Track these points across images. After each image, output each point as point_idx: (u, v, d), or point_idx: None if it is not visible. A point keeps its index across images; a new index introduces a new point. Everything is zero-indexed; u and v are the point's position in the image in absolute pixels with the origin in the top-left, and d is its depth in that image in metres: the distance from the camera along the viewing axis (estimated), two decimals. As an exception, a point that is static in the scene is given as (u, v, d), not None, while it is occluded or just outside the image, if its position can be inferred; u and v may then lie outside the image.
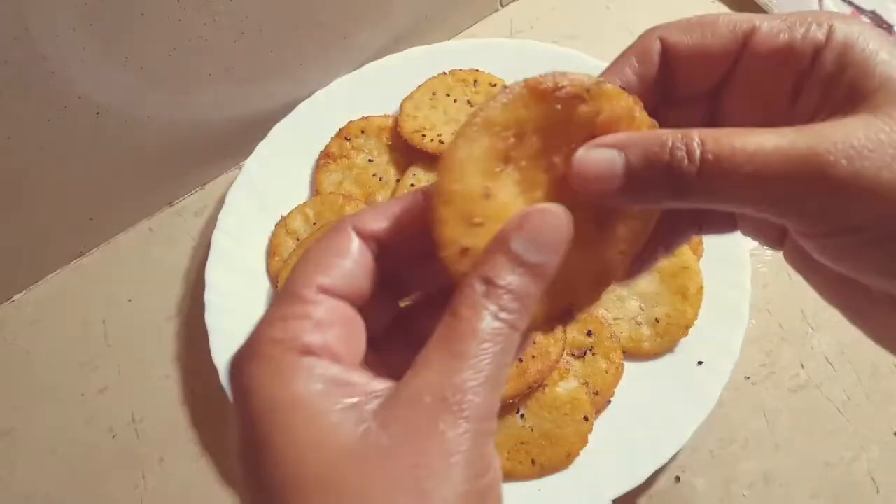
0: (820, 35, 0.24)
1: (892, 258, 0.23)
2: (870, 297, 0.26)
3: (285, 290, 0.23)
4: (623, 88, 0.26)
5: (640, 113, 0.25)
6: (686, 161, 0.23)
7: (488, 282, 0.22)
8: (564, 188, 0.25)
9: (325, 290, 0.23)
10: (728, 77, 0.26)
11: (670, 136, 0.23)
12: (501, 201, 0.24)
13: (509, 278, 0.22)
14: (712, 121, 0.28)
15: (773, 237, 0.29)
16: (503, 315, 0.22)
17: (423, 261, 0.24)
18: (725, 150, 0.22)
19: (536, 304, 0.23)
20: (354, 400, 0.21)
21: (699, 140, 0.23)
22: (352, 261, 0.24)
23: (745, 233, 0.30)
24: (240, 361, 0.22)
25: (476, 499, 0.21)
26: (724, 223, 0.29)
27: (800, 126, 0.23)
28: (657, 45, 0.27)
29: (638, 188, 0.24)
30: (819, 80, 0.24)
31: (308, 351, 0.22)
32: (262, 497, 0.21)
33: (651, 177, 0.23)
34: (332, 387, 0.21)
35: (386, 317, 0.27)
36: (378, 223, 0.25)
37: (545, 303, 0.24)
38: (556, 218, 0.23)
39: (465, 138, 0.24)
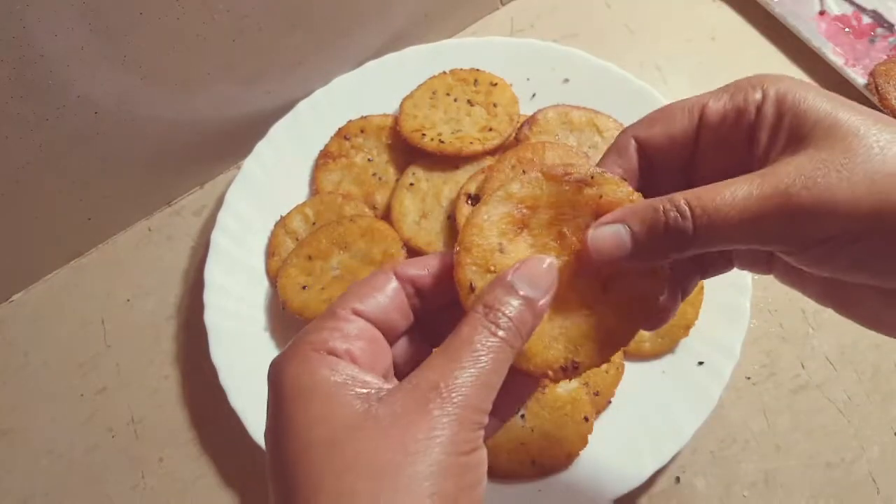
0: (757, 95, 0.30)
1: (860, 257, 0.28)
2: (854, 291, 0.31)
3: (327, 309, 0.29)
4: (623, 178, 0.32)
5: (636, 197, 0.31)
6: (680, 219, 0.28)
7: (487, 305, 0.28)
8: (571, 254, 0.31)
9: (357, 313, 0.29)
10: (695, 147, 0.32)
11: (660, 202, 0.29)
12: (513, 257, 0.30)
13: (505, 302, 0.28)
14: (690, 183, 0.32)
15: (763, 266, 0.35)
16: (498, 332, 0.27)
17: (454, 308, 0.30)
18: (710, 205, 0.28)
19: (529, 332, 0.29)
20: (364, 391, 0.27)
21: (685, 200, 0.28)
22: (385, 295, 0.30)
23: (741, 267, 0.36)
24: (278, 360, 0.28)
25: (455, 471, 0.25)
26: (723, 264, 0.36)
27: (761, 171, 0.29)
28: (632, 143, 0.33)
29: (645, 249, 0.29)
30: (765, 128, 0.30)
31: (333, 352, 0.28)
32: (282, 460, 0.26)
33: (653, 238, 0.29)
34: (347, 379, 0.27)
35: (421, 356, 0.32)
36: (416, 270, 0.31)
37: (553, 352, 0.30)
38: (546, 263, 0.30)
39: (487, 205, 0.31)
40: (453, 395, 0.26)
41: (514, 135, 0.62)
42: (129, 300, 0.63)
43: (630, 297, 0.31)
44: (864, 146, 0.28)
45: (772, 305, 0.58)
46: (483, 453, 0.27)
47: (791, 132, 0.29)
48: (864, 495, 0.51)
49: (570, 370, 0.29)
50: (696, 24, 0.72)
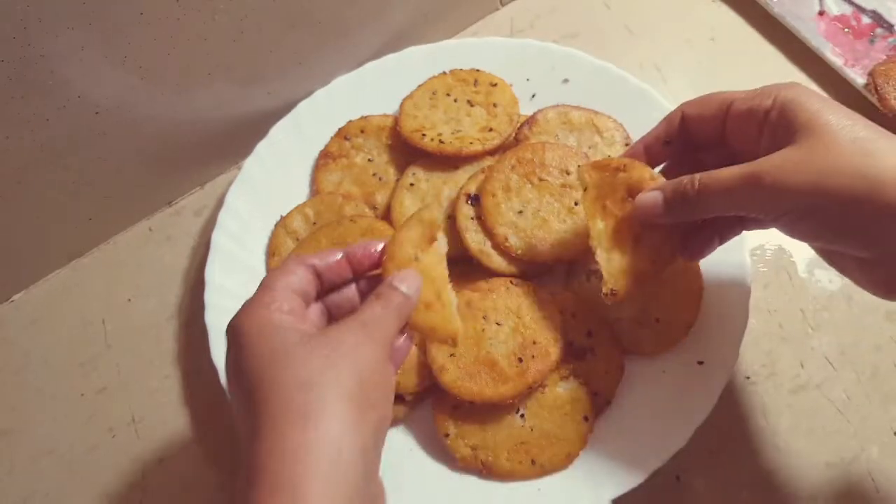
0: (768, 102, 0.41)
1: (813, 229, 0.39)
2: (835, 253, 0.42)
3: (262, 285, 0.39)
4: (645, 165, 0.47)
5: (657, 176, 0.46)
6: (690, 188, 0.42)
7: (390, 286, 0.39)
8: (612, 219, 0.47)
9: (284, 286, 0.39)
10: (722, 129, 0.44)
11: (684, 178, 0.42)
12: (425, 263, 0.41)
13: (397, 287, 0.39)
14: (727, 158, 0.43)
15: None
16: (394, 300, 0.38)
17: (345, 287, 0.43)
18: (708, 180, 0.41)
19: (407, 314, 0.39)
20: (303, 326, 0.37)
21: (698, 177, 0.41)
22: (297, 275, 0.39)
23: (748, 227, 0.48)
24: (236, 320, 0.37)
25: (371, 379, 0.35)
26: (736, 225, 0.47)
27: (749, 162, 0.39)
28: (679, 114, 0.46)
29: (671, 209, 0.43)
30: (768, 128, 0.41)
31: (278, 309, 0.37)
32: (241, 386, 0.35)
33: (676, 201, 0.43)
34: (290, 322, 0.36)
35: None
36: (317, 261, 0.41)
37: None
38: (412, 275, 0.40)
39: (406, 228, 0.42)
40: (371, 329, 0.36)
41: (514, 135, 0.62)
42: (129, 300, 0.63)
43: (652, 247, 0.46)
44: (835, 144, 0.36)
45: (771, 305, 0.58)
46: (392, 379, 0.37)
47: (786, 131, 0.39)
48: (864, 495, 0.51)
49: (610, 296, 0.45)
50: (696, 24, 0.72)
